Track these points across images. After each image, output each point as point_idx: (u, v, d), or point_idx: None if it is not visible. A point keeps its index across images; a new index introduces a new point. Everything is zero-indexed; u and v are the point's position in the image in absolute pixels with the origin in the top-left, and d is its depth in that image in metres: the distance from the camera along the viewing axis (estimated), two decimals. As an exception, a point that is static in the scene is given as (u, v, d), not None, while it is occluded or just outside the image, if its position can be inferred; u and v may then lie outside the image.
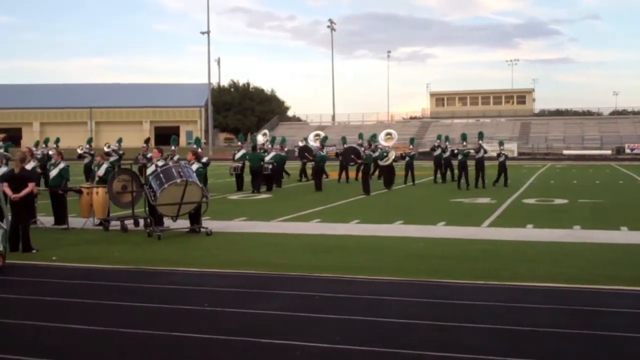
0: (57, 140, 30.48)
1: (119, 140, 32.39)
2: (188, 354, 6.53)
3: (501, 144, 30.48)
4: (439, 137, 32.66)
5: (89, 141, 31.92)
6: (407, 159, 30.09)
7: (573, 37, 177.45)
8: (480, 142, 28.50)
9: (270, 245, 13.11)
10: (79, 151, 31.32)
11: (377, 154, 27.81)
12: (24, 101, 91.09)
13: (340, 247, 12.79)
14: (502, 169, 28.58)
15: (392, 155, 27.63)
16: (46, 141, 29.47)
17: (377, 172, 30.86)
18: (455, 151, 29.26)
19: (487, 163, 28.49)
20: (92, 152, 30.62)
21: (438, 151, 30.67)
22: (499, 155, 28.68)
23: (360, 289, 9.19)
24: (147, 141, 29.54)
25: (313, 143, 33.37)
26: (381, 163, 27.89)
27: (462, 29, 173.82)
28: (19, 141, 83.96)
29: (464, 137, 30.39)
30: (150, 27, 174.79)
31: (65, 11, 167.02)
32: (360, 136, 34.19)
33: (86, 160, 29.61)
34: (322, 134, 36.02)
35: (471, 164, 27.95)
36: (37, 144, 30.78)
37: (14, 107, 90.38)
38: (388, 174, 27.49)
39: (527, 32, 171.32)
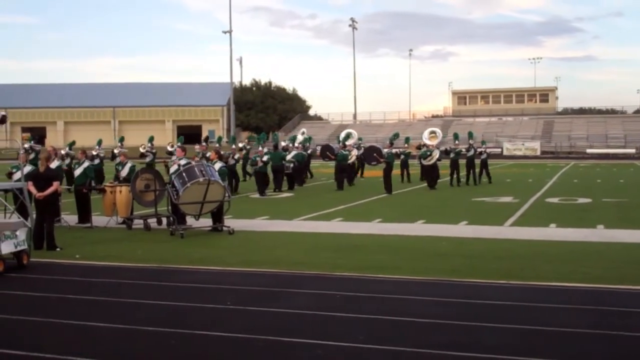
0: (122, 139, 30.65)
1: (151, 139, 32.43)
2: (210, 351, 6.57)
3: (483, 142, 31.93)
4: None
5: (121, 140, 31.98)
6: (402, 157, 29.92)
7: (596, 34, 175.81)
8: (470, 141, 29.14)
9: (291, 244, 13.14)
10: (142, 150, 31.46)
11: (399, 152, 27.74)
12: (48, 101, 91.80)
13: (362, 246, 12.79)
14: (483, 166, 29.46)
15: (437, 154, 26.98)
16: (71, 144, 29.48)
17: (402, 173, 30.57)
18: (448, 149, 29.58)
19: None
20: (153, 150, 30.65)
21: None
22: (480, 153, 29.50)
23: (381, 288, 9.19)
24: (205, 140, 29.76)
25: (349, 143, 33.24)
26: (424, 162, 27.34)
27: (484, 27, 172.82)
28: (43, 140, 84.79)
29: (456, 137, 30.97)
30: (173, 27, 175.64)
31: (88, 11, 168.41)
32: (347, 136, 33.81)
33: (148, 159, 29.75)
34: (354, 132, 36.03)
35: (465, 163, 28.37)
36: (100, 143, 30.82)
37: (39, 107, 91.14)
38: (432, 173, 26.96)
39: (550, 29, 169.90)
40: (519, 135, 73.98)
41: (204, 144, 28.29)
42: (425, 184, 27.54)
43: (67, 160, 25.75)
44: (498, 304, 8.25)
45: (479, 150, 29.67)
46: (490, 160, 27.89)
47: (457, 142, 29.65)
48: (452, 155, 28.17)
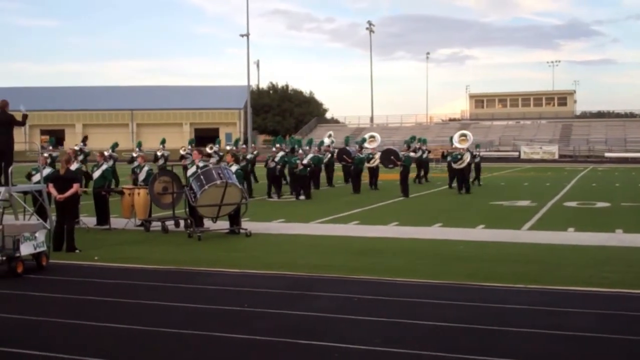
0: (139, 144, 30.75)
1: (163, 141, 32.53)
2: (227, 354, 6.60)
3: (477, 146, 31.95)
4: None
5: (139, 145, 32.03)
6: (424, 156, 29.97)
7: (615, 37, 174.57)
8: (409, 145, 29.48)
9: (308, 247, 13.16)
10: (182, 152, 31.55)
11: (418, 154, 27.64)
12: (67, 103, 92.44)
13: (379, 249, 12.79)
14: (477, 169, 29.91)
15: (467, 157, 26.27)
16: (114, 146, 29.54)
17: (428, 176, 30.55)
18: (445, 153, 29.93)
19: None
20: (166, 153, 30.63)
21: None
22: (474, 156, 29.62)
23: (398, 292, 9.19)
24: (238, 141, 29.87)
25: (368, 145, 33.17)
26: (455, 166, 26.48)
27: (501, 30, 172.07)
28: (62, 142, 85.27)
29: (451, 140, 31.59)
30: (191, 30, 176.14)
31: (108, 16, 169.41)
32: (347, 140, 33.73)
33: (187, 162, 29.84)
34: (377, 135, 35.98)
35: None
36: (140, 145, 30.93)
37: (58, 109, 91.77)
38: (462, 176, 26.22)
39: (568, 33, 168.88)
40: (536, 138, 73.56)
41: (244, 145, 28.34)
42: (447, 186, 27.52)
43: (111, 162, 26.21)
44: (516, 308, 8.23)
45: (474, 154, 29.88)
46: (507, 164, 27.99)
47: (454, 146, 30.19)
48: (449, 158, 28.27)
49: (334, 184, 30.14)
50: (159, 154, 31.22)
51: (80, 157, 24.77)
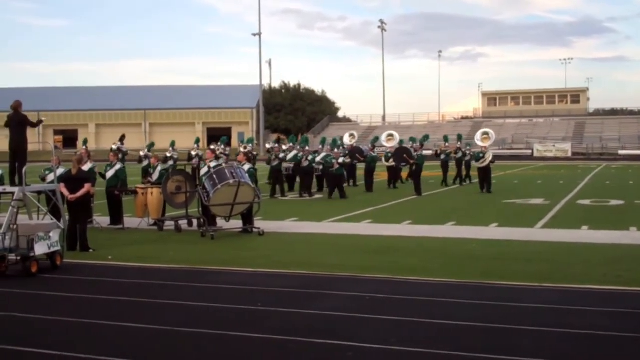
0: (151, 145, 30.72)
1: (172, 144, 32.51)
2: (241, 353, 6.61)
3: (468, 145, 31.82)
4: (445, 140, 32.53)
5: (150, 147, 31.96)
6: (443, 157, 29.88)
7: (628, 35, 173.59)
8: (458, 143, 30.04)
9: (321, 246, 13.16)
10: (242, 150, 31.55)
11: (459, 155, 27.73)
12: (80, 103, 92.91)
13: (392, 248, 12.77)
14: (466, 167, 30.33)
15: (490, 156, 25.62)
16: (150, 146, 29.56)
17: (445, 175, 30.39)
18: (438, 152, 30.22)
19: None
20: (227, 152, 30.29)
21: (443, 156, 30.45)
22: (464, 154, 30.04)
23: (411, 290, 9.17)
24: (278, 140, 29.96)
25: (386, 143, 33.10)
26: (477, 164, 25.89)
27: (514, 28, 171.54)
28: (75, 142, 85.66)
29: (445, 139, 31.98)
30: (203, 30, 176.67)
31: (120, 15, 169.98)
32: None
33: (221, 160, 29.75)
34: (395, 133, 35.87)
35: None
36: (152, 146, 30.94)
37: (71, 109, 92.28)
38: (484, 175, 25.62)
39: (581, 30, 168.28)
40: (549, 136, 73.25)
41: (277, 144, 28.33)
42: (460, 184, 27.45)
43: (146, 162, 26.38)
44: (530, 307, 8.20)
45: (464, 152, 30.08)
46: (520, 162, 27.89)
47: (447, 144, 30.68)
48: (442, 157, 28.99)
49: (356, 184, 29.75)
50: (168, 154, 31.20)
51: (145, 163, 24.89)
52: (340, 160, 24.33)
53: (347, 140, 33.93)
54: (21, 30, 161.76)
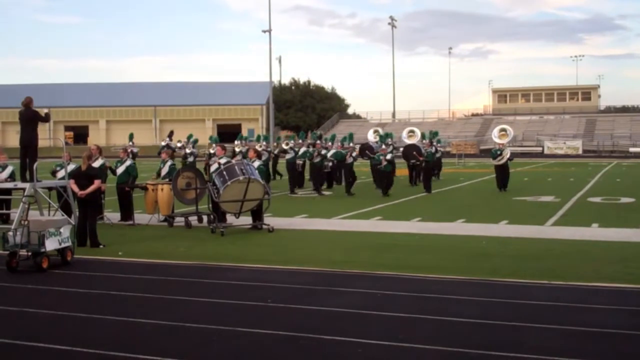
0: (195, 141, 30.66)
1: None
2: (251, 349, 6.61)
3: (439, 142, 32.34)
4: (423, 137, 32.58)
5: (195, 142, 31.75)
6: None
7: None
8: (432, 140, 29.76)
9: (331, 243, 13.16)
10: (258, 148, 31.51)
11: (438, 153, 27.50)
12: (91, 100, 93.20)
13: (402, 245, 12.76)
14: (437, 164, 30.63)
15: (508, 153, 24.99)
16: (194, 141, 29.67)
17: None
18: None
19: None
20: (269, 149, 29.35)
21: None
22: (437, 151, 29.98)
23: (421, 288, 9.16)
24: (267, 137, 29.93)
25: (407, 140, 33.14)
26: (495, 162, 25.21)
27: (525, 25, 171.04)
28: (86, 139, 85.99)
29: (423, 136, 32.74)
30: (214, 26, 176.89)
31: (131, 11, 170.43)
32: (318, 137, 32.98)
33: (264, 158, 29.75)
34: (417, 130, 35.86)
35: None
36: (196, 142, 31.00)
37: (82, 106, 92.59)
38: (502, 173, 25.16)
39: (592, 27, 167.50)
40: (560, 134, 73.04)
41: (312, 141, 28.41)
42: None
43: (191, 159, 26.51)
44: (540, 304, 8.18)
45: (436, 148, 29.96)
46: (530, 159, 27.74)
47: (424, 141, 30.90)
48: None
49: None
50: (188, 151, 31.16)
51: (191, 159, 24.93)
52: (389, 157, 23.83)
53: (371, 137, 33.88)
54: (34, 27, 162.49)
